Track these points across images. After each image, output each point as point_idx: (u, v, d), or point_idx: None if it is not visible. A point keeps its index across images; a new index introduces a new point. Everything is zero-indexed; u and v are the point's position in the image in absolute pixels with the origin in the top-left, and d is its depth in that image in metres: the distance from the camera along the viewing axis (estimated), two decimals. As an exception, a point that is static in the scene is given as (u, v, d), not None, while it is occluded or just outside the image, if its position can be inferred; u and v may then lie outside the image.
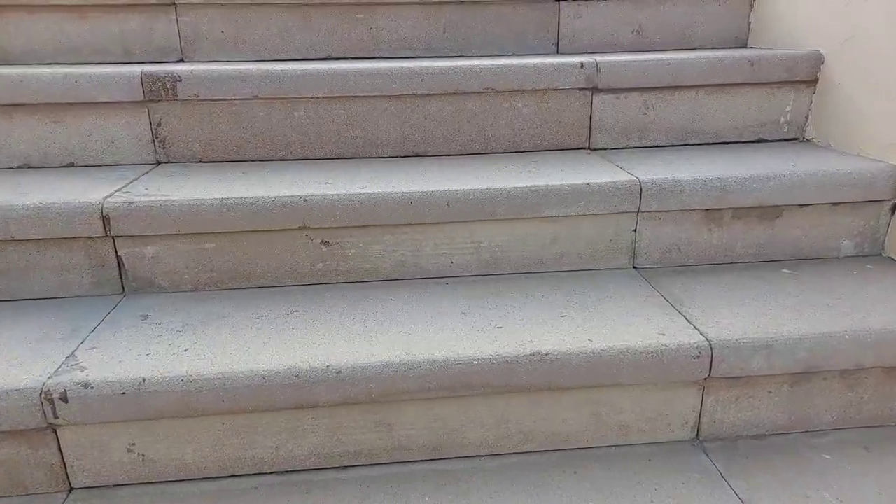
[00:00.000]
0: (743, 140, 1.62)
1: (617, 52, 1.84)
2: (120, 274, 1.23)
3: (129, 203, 1.18)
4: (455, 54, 1.80)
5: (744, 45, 1.87)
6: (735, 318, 1.11)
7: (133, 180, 1.33)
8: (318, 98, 1.47)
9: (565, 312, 1.14)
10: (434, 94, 1.50)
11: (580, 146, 1.58)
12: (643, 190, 1.28)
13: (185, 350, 1.03)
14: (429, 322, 1.11)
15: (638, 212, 1.30)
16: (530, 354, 1.00)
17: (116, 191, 1.25)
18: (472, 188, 1.25)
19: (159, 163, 1.48)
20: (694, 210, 1.32)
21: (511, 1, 1.76)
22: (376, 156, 1.53)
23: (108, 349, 1.03)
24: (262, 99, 1.45)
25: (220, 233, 1.22)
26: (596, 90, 1.54)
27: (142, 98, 1.41)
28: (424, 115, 1.52)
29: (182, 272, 1.25)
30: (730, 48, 1.86)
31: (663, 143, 1.60)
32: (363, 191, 1.23)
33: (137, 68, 1.43)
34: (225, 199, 1.20)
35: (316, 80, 1.45)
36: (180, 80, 1.41)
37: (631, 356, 1.01)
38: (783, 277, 1.29)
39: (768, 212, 1.34)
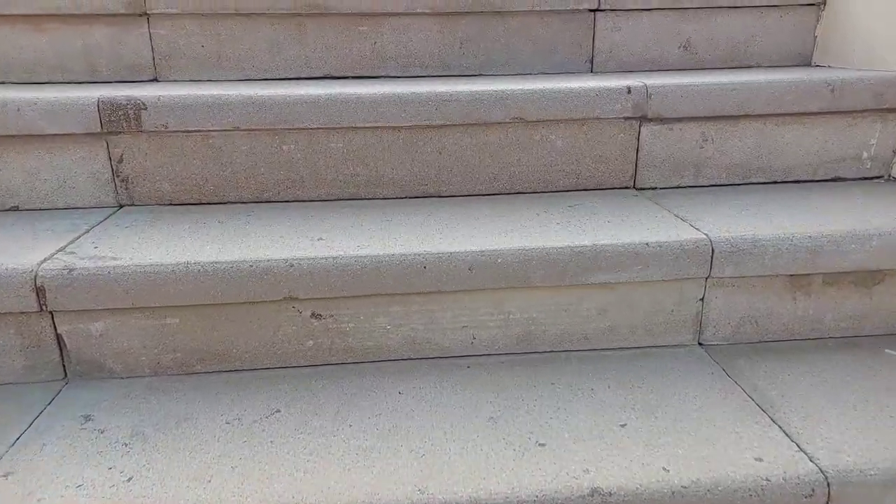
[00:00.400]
0: (817, 178, 1.37)
1: (661, 70, 1.60)
2: (61, 356, 1.00)
3: (70, 270, 0.94)
4: (473, 73, 1.57)
5: (808, 63, 1.63)
6: (847, 431, 0.85)
7: (84, 233, 1.08)
8: (311, 129, 1.23)
9: (625, 419, 0.89)
10: (451, 125, 1.26)
11: (624, 185, 1.34)
12: (715, 252, 1.03)
13: (129, 480, 0.78)
14: (448, 434, 0.85)
15: (707, 277, 1.06)
16: (588, 495, 0.75)
17: (58, 251, 1.01)
18: (500, 249, 1.00)
19: (121, 206, 1.24)
20: (777, 276, 1.08)
21: (538, 11, 1.53)
22: (380, 196, 1.29)
23: (30, 476, 0.78)
24: (244, 130, 1.21)
25: (185, 306, 1.00)
26: (644, 119, 1.30)
27: (99, 130, 1.17)
28: (439, 150, 1.28)
29: (138, 353, 1.01)
30: (792, 66, 1.62)
31: (722, 182, 1.36)
32: (363, 252, 0.99)
33: (94, 93, 1.19)
34: (191, 264, 0.96)
35: (309, 109, 1.20)
36: (145, 109, 1.18)
37: (722, 496, 0.77)
38: (890, 363, 1.05)
39: (867, 277, 1.09)
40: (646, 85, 1.26)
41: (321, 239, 1.05)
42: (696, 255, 1.02)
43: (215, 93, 1.19)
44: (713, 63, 1.60)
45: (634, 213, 1.17)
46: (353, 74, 1.53)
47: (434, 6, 1.48)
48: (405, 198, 1.29)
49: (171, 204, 1.24)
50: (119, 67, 1.46)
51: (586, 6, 1.52)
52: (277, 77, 1.51)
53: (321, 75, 1.52)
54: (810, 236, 1.04)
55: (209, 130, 1.19)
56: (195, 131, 1.19)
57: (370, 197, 1.28)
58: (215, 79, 1.49)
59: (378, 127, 1.23)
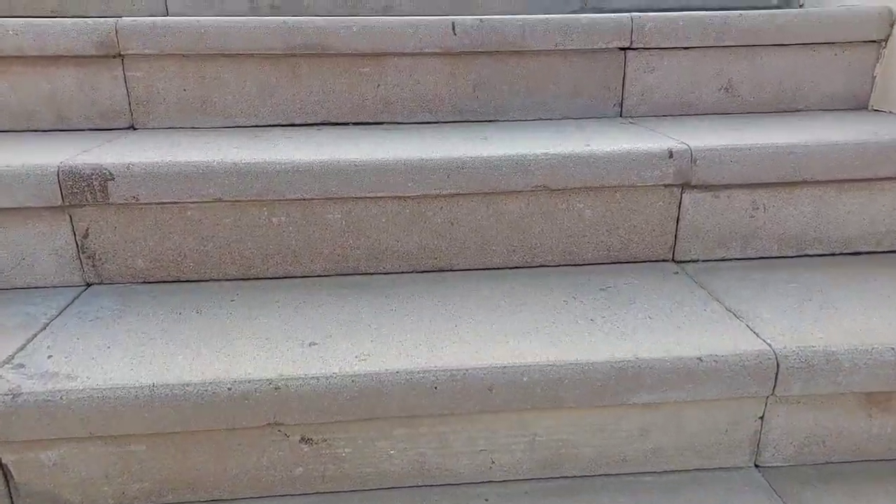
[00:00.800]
0: (881, 250, 1.21)
1: (698, 113, 1.43)
2: (7, 489, 0.85)
3: (15, 396, 0.79)
4: (488, 117, 1.40)
5: (864, 106, 1.45)
6: None
7: (40, 329, 0.92)
8: (305, 200, 1.08)
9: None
10: (465, 194, 1.11)
11: (661, 257, 1.18)
12: (781, 367, 0.87)
13: None
14: None
15: (770, 395, 0.91)
16: None
17: (5, 362, 0.86)
18: (526, 364, 0.84)
19: (88, 284, 1.09)
20: (851, 393, 0.93)
21: (562, 51, 1.37)
22: (383, 271, 1.13)
23: None
24: (228, 202, 1.06)
25: (152, 434, 0.85)
26: (687, 186, 1.14)
27: (60, 203, 1.02)
28: (450, 220, 1.13)
29: (100, 484, 0.86)
30: (846, 110, 1.44)
31: (773, 254, 1.20)
32: (363, 369, 0.82)
33: (55, 158, 1.02)
34: (157, 387, 0.81)
35: (303, 178, 1.04)
36: (112, 180, 1.02)
37: None
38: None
39: (955, 390, 0.95)
40: (690, 148, 1.10)
41: (313, 344, 0.89)
42: (759, 372, 0.86)
43: (194, 159, 1.03)
44: (757, 106, 1.43)
45: (678, 302, 1.00)
46: (354, 120, 1.37)
47: (445, 46, 1.31)
48: (411, 272, 1.14)
49: (145, 282, 1.09)
50: (91, 114, 1.30)
51: (616, 44, 1.35)
52: (269, 123, 1.35)
53: (318, 121, 1.36)
54: (893, 348, 0.89)
55: (187, 202, 1.04)
56: (171, 203, 1.04)
57: (371, 272, 1.13)
58: (199, 125, 1.33)
59: (382, 197, 1.08)
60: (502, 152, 1.08)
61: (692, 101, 1.41)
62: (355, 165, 1.05)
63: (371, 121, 1.37)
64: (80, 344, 0.89)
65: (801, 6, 1.67)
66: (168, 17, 1.25)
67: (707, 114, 1.42)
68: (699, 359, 0.85)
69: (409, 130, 1.28)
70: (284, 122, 1.35)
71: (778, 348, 0.87)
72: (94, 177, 1.00)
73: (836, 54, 1.41)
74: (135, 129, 1.31)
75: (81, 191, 1.01)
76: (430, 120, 1.38)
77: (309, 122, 1.35)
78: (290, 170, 1.03)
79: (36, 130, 1.29)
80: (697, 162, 1.10)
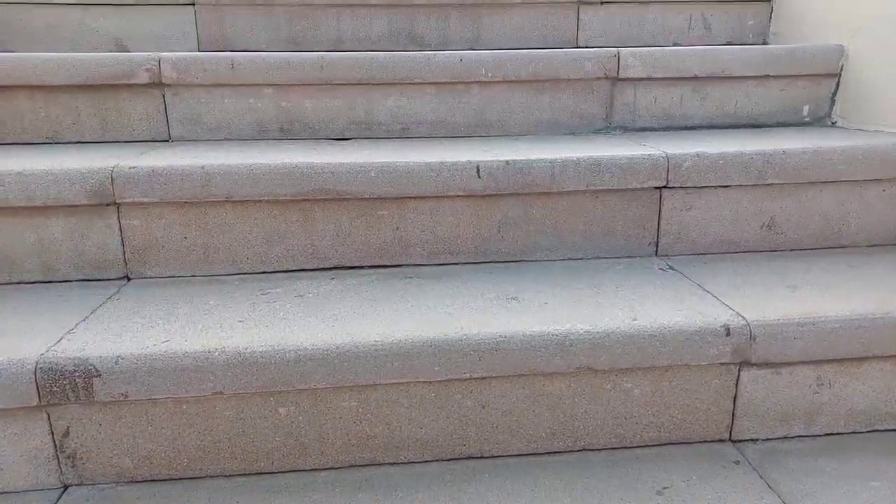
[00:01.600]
0: (960, 424, 1.11)
1: (738, 251, 1.33)
2: None
3: None
4: (514, 258, 1.29)
5: (915, 243, 1.38)
6: None
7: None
8: (316, 389, 0.97)
9: None
10: (498, 377, 0.99)
11: (717, 437, 1.04)
12: None
13: None
14: None
15: None
16: None
17: None
18: None
19: (66, 486, 0.93)
20: None
21: (593, 191, 1.28)
22: (403, 461, 0.99)
23: None
24: (229, 394, 0.95)
25: None
26: (746, 364, 1.03)
27: (37, 403, 0.90)
28: (481, 404, 1.01)
29: None
30: (894, 245, 1.37)
31: (840, 430, 1.06)
32: None
33: (32, 352, 0.88)
34: None
35: (315, 367, 0.90)
36: (98, 376, 0.90)
37: None
38: None
39: None
40: (748, 324, 0.99)
41: None
42: None
43: (192, 348, 0.90)
44: (801, 242, 1.34)
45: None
46: (369, 263, 1.26)
47: (469, 188, 1.22)
48: (436, 461, 1.00)
49: (132, 482, 0.94)
50: (82, 264, 1.18)
51: (652, 184, 1.26)
52: (277, 269, 1.23)
53: (331, 265, 1.24)
54: None
55: (183, 397, 0.92)
56: (165, 398, 0.93)
57: (390, 462, 0.98)
58: (201, 273, 1.22)
59: (403, 383, 0.97)
60: (539, 327, 0.96)
61: (732, 238, 1.32)
62: (375, 350, 0.93)
63: (388, 263, 1.25)
64: None
65: (833, 124, 1.61)
66: (170, 163, 1.15)
67: (748, 251, 1.32)
68: None
69: (431, 279, 1.17)
70: (294, 268, 1.23)
71: None
72: (77, 374, 0.88)
73: (883, 190, 1.32)
74: (130, 279, 1.19)
75: (62, 389, 0.88)
76: (451, 261, 1.27)
77: (321, 266, 1.24)
78: (301, 359, 0.91)
79: (19, 283, 1.17)
80: (757, 339, 0.99)
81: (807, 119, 1.60)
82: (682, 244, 1.31)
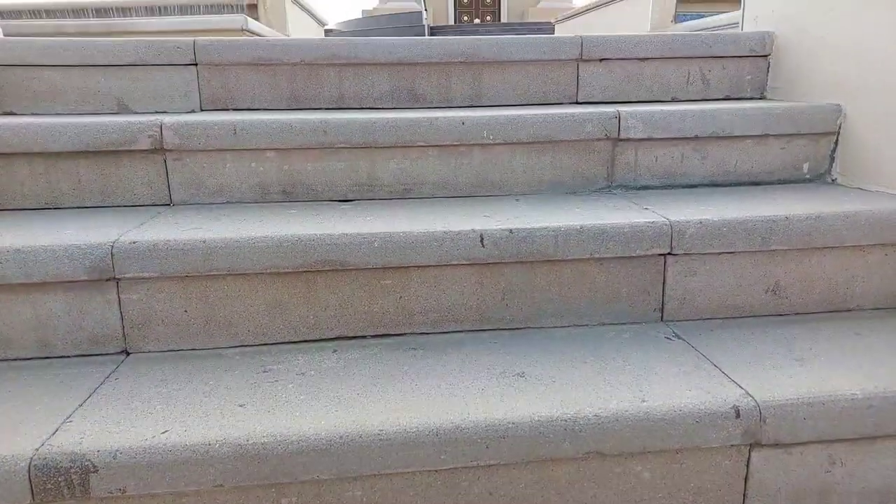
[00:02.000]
0: (975, 503, 1.09)
1: (744, 315, 1.30)
2: None
3: None
4: (518, 325, 1.27)
5: (920, 306, 1.37)
6: None
7: None
8: (318, 481, 0.95)
9: None
10: (506, 465, 0.98)
11: (728, 519, 1.05)
12: None
13: None
14: None
15: None
16: None
17: None
18: None
19: (60, 584, 0.94)
20: None
21: (597, 259, 1.28)
22: (411, 548, 0.99)
23: None
24: (229, 487, 0.93)
25: None
26: (757, 445, 1.02)
27: (30, 501, 0.86)
28: (489, 491, 0.98)
29: None
30: (900, 310, 1.36)
31: (854, 510, 1.07)
32: None
33: (26, 447, 0.86)
34: None
35: (318, 458, 0.88)
36: (95, 472, 0.88)
37: None
38: None
39: None
40: (758, 405, 0.97)
41: None
42: None
43: (191, 440, 0.88)
44: (806, 307, 1.33)
45: None
46: (372, 333, 1.24)
47: (472, 256, 1.21)
48: (443, 547, 0.99)
49: (127, 577, 0.93)
50: (80, 339, 1.16)
51: (656, 251, 1.26)
52: (279, 341, 1.21)
53: (334, 336, 1.22)
54: None
55: (183, 492, 0.90)
56: (165, 493, 0.90)
57: (397, 550, 0.98)
58: (200, 346, 1.20)
59: (408, 472, 0.95)
60: (547, 412, 0.94)
61: (737, 303, 1.31)
62: (380, 439, 0.91)
63: (392, 332, 1.24)
64: None
65: (833, 181, 1.62)
66: (170, 237, 1.13)
67: (753, 316, 1.31)
68: None
69: (435, 352, 1.15)
70: (296, 339, 1.22)
71: None
72: (73, 470, 0.85)
73: (886, 254, 1.32)
74: (129, 353, 1.17)
75: (57, 486, 0.86)
76: (455, 329, 1.26)
77: (324, 336, 1.22)
78: (304, 450, 0.89)
79: (15, 360, 1.15)
80: (767, 421, 0.97)
81: (807, 176, 1.61)
82: (687, 309, 1.30)
